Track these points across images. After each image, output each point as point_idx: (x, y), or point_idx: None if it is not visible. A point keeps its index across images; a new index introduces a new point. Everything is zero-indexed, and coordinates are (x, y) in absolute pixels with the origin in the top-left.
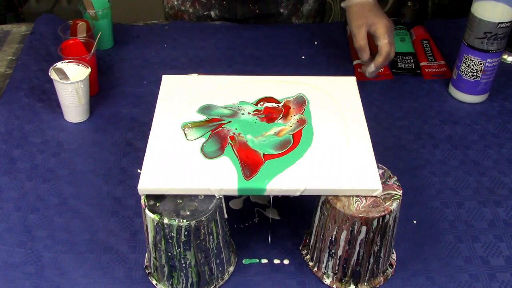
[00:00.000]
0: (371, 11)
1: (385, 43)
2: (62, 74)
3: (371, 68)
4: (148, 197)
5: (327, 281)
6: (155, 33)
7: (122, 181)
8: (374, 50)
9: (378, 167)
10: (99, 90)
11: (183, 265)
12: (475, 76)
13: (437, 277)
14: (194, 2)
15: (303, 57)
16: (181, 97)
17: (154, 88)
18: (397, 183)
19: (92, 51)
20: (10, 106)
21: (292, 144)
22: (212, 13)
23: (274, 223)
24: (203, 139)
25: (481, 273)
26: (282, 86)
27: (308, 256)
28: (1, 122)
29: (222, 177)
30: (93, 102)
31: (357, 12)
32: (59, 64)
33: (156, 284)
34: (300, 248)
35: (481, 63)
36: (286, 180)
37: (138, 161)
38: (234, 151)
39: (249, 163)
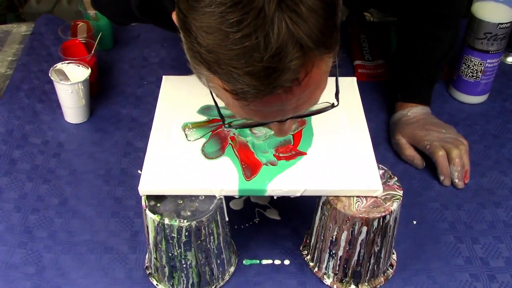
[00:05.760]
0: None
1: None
2: (62, 75)
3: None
4: (149, 197)
5: (328, 281)
6: (155, 33)
7: (122, 181)
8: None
9: (379, 168)
10: (99, 91)
11: (184, 265)
12: (475, 77)
13: (437, 276)
14: None
15: None
16: (182, 97)
17: (154, 88)
18: (398, 184)
19: (92, 52)
20: (10, 107)
21: (292, 145)
22: None
23: (274, 223)
24: (203, 140)
25: (481, 273)
26: None
27: (308, 257)
28: (1, 123)
29: (222, 178)
30: (93, 103)
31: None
32: (59, 65)
33: (156, 284)
34: (301, 249)
35: (481, 64)
36: (286, 181)
37: (138, 161)
38: (234, 152)
39: (250, 164)
